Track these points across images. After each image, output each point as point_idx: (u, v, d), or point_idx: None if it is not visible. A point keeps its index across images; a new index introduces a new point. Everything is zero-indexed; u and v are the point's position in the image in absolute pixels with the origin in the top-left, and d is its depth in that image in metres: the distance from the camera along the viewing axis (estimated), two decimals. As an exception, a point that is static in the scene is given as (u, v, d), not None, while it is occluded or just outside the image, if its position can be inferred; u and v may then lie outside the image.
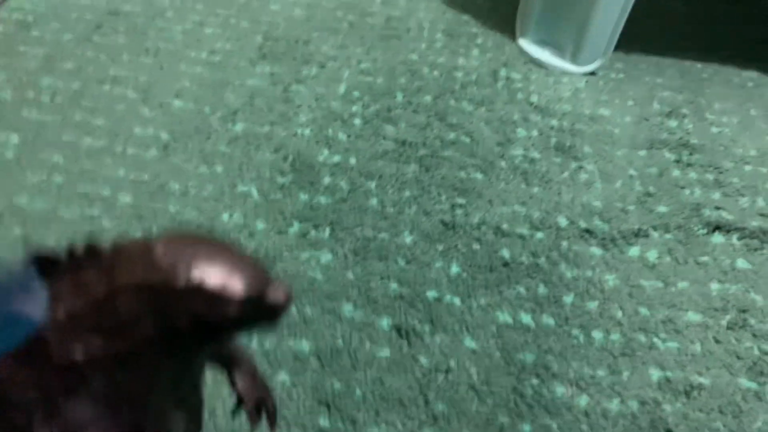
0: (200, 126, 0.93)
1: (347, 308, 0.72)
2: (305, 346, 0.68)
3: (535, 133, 0.97)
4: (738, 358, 0.70)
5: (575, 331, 0.71)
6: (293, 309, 0.71)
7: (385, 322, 0.71)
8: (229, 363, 0.41)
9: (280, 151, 0.90)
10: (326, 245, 0.78)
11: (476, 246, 0.80)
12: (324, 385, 0.64)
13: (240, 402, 0.42)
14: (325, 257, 0.77)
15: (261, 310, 0.27)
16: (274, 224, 0.80)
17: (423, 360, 0.67)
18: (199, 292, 0.26)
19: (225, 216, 0.81)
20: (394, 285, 0.75)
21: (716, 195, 0.89)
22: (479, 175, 0.89)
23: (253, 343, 0.68)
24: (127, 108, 0.96)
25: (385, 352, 0.68)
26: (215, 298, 0.26)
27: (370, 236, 0.80)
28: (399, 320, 0.71)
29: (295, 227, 0.80)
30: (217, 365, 0.41)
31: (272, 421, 0.42)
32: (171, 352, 0.27)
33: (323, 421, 0.61)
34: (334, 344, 0.68)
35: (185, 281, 0.26)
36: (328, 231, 0.80)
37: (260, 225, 0.80)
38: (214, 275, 0.26)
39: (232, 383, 0.41)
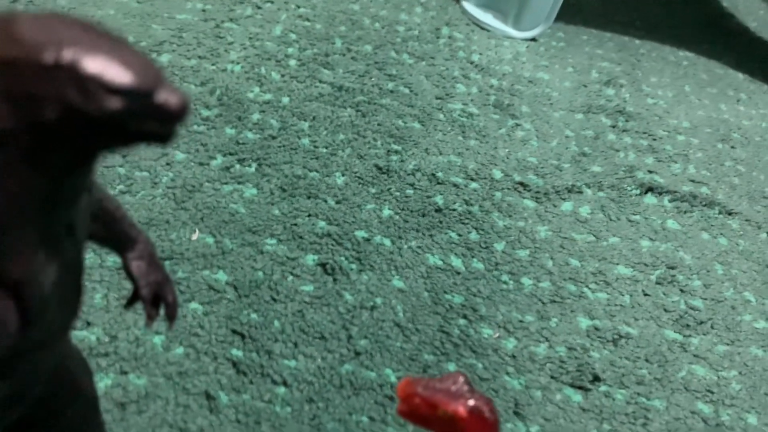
0: (122, 54, 0.87)
1: (270, 242, 0.67)
2: (222, 276, 0.63)
3: (474, 90, 0.95)
4: (665, 311, 0.70)
5: (505, 277, 0.69)
6: (210, 239, 0.66)
7: (310, 258, 0.67)
8: (124, 245, 0.36)
9: (207, 84, 0.84)
10: (251, 180, 0.74)
11: (410, 191, 0.77)
12: (239, 315, 0.60)
13: (136, 291, 0.37)
14: (250, 191, 0.72)
15: (148, 111, 0.21)
16: (196, 155, 0.75)
17: (348, 296, 0.64)
18: (72, 73, 0.20)
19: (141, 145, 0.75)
20: (322, 223, 0.71)
21: (649, 160, 0.89)
22: (417, 125, 0.86)
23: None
24: (42, 30, 0.88)
25: (308, 287, 0.64)
26: (93, 84, 0.20)
27: (300, 174, 0.75)
28: (325, 257, 0.67)
29: (219, 160, 0.75)
30: (110, 245, 0.35)
31: (172, 313, 0.37)
32: (37, 161, 0.22)
33: (236, 351, 0.57)
34: (254, 276, 0.63)
35: (55, 59, 0.20)
36: (254, 166, 0.75)
37: (180, 155, 0.75)
38: (93, 56, 0.20)
39: (126, 267, 0.36)
